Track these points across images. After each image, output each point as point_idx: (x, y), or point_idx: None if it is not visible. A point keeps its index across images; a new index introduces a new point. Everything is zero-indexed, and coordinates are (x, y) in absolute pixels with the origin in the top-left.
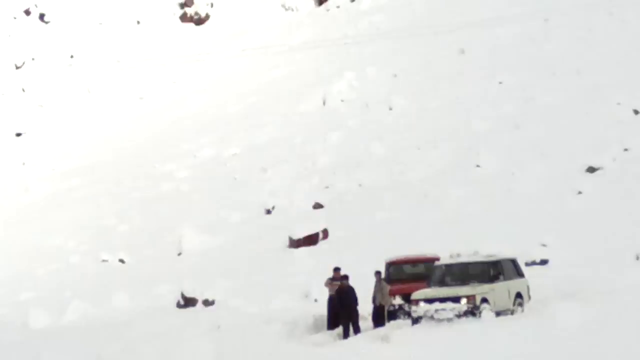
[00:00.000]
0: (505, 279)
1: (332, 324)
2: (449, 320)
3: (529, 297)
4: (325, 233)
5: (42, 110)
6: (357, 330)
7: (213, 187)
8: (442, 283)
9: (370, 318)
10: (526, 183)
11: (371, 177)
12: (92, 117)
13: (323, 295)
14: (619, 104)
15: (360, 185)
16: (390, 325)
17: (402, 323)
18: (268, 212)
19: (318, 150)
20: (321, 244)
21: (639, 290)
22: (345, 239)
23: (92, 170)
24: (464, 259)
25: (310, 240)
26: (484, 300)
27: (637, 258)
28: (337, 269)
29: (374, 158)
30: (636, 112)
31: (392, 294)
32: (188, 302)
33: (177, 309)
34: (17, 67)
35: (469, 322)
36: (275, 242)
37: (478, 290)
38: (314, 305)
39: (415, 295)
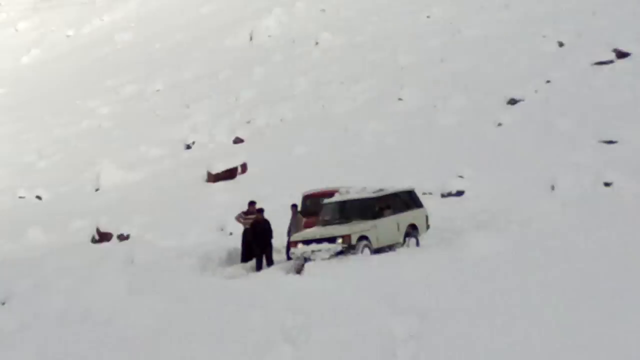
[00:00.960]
0: (394, 212)
1: (246, 256)
2: (326, 260)
3: (428, 227)
4: (244, 167)
5: None
6: (270, 262)
7: (134, 123)
8: (326, 222)
9: (284, 251)
10: (447, 116)
11: (293, 111)
12: (18, 53)
13: (238, 228)
14: (544, 36)
15: (281, 120)
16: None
17: (319, 254)
18: (188, 147)
19: (242, 85)
20: (240, 178)
21: (551, 219)
22: (264, 173)
23: (15, 107)
24: (346, 196)
25: (229, 174)
26: (364, 237)
27: (552, 188)
28: (252, 203)
29: (297, 93)
30: (561, 44)
31: (307, 226)
32: (103, 237)
33: (92, 244)
34: None
35: (389, 255)
36: (194, 177)
37: (354, 228)
38: (229, 238)
39: (293, 237)
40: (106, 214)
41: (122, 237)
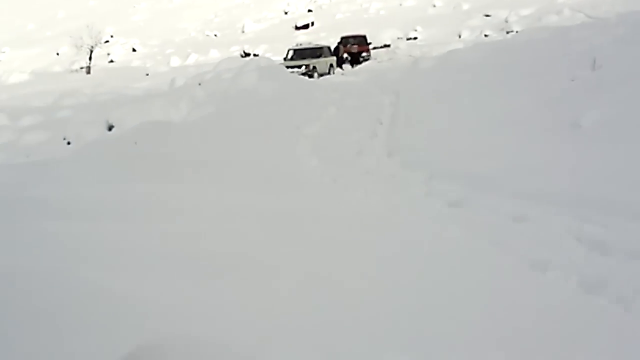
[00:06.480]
0: (324, 57)
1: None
2: (301, 74)
3: (335, 67)
4: (313, 24)
5: None
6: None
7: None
8: (292, 59)
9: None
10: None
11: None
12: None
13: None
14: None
15: (330, 1)
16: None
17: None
18: (285, 13)
19: None
20: (310, 28)
21: (461, 52)
22: (322, 27)
23: None
24: (304, 46)
25: (305, 27)
26: (314, 67)
27: (459, 37)
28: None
29: None
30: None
31: (344, 52)
32: (246, 55)
33: (241, 57)
34: None
35: (377, 65)
36: (289, 28)
37: (311, 62)
38: None
39: (282, 64)
40: (247, 44)
41: (255, 55)
